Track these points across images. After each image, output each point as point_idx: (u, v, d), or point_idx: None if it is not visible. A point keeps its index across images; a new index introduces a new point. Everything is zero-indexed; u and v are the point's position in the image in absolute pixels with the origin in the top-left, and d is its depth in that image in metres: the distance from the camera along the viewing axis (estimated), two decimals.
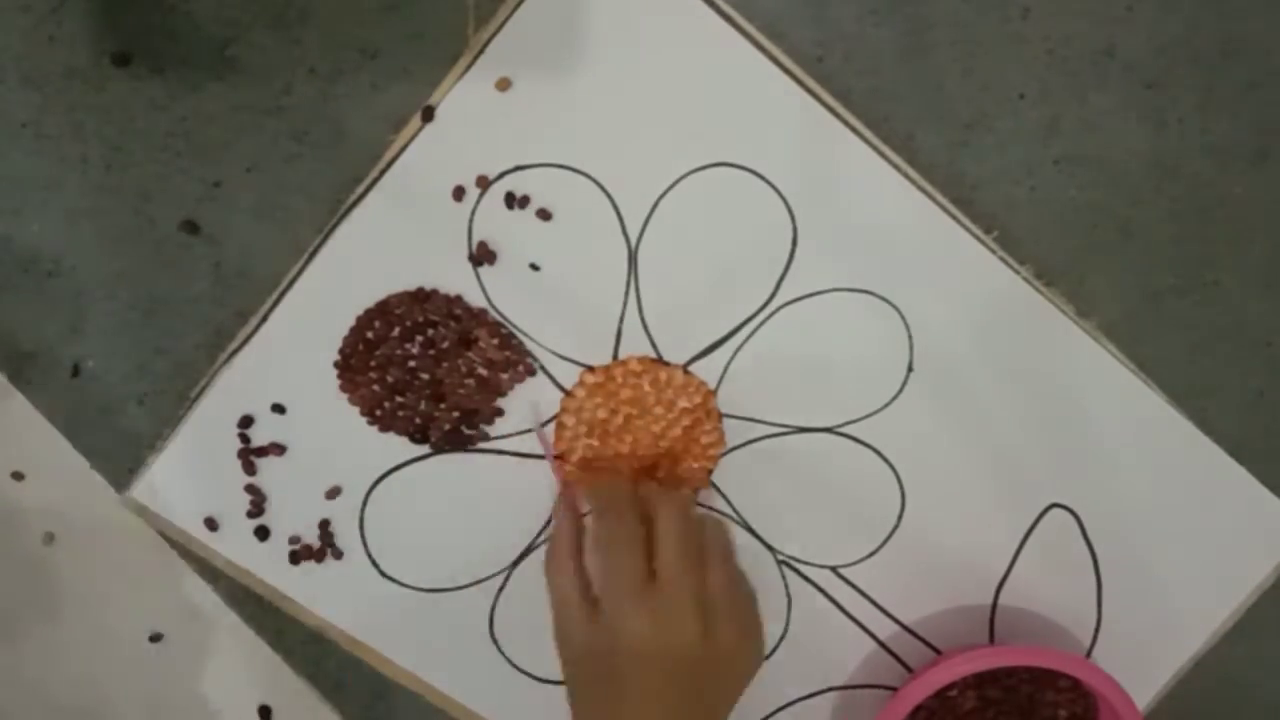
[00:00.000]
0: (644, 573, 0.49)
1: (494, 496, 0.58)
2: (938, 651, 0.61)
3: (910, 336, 0.57)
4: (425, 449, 0.57)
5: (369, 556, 0.58)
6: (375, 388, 0.56)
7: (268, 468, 0.56)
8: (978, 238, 0.56)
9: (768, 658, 0.60)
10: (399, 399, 0.56)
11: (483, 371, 0.56)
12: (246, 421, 0.56)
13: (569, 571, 0.50)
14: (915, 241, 0.56)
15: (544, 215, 0.54)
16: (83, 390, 0.56)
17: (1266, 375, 0.59)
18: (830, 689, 0.61)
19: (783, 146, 0.54)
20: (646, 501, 0.52)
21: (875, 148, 0.55)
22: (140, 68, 0.52)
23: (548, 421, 0.57)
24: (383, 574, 0.58)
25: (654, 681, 0.47)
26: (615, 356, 0.57)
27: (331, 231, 0.54)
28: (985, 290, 0.57)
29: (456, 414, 0.56)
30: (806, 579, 0.60)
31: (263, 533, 0.57)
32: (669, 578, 0.48)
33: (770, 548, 0.59)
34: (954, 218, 0.56)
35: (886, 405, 0.58)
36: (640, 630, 0.47)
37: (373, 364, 0.56)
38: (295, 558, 0.57)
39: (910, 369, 0.57)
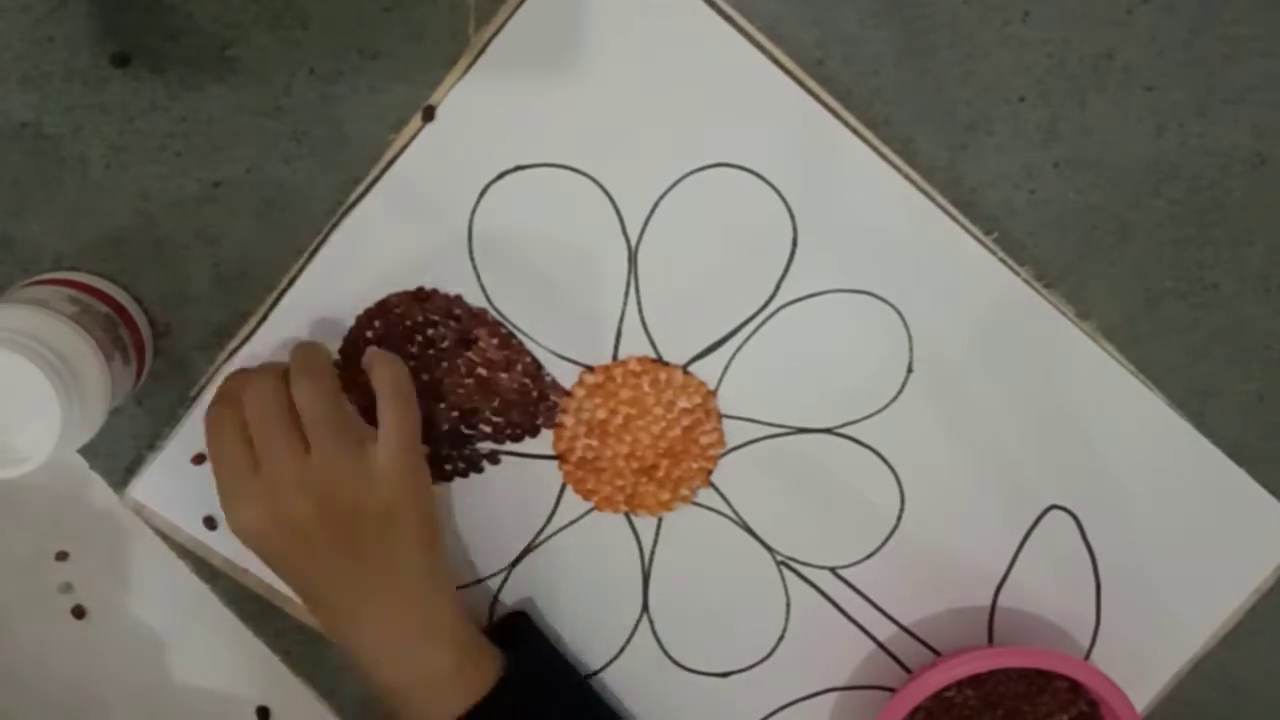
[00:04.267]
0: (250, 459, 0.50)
1: (494, 496, 0.58)
2: (936, 653, 0.61)
3: (910, 337, 0.57)
4: (424, 449, 0.57)
5: None
6: None
7: None
8: (978, 239, 0.56)
9: (765, 659, 0.60)
10: None
11: (483, 371, 0.56)
12: None
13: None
14: (915, 243, 0.56)
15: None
16: None
17: (1266, 378, 0.59)
18: (829, 690, 0.61)
19: (783, 147, 0.54)
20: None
21: (875, 149, 0.55)
22: (140, 68, 0.52)
23: (546, 424, 0.57)
24: None
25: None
26: (615, 357, 0.57)
27: (331, 231, 0.54)
28: (985, 292, 0.57)
29: (456, 414, 0.56)
30: (805, 580, 0.60)
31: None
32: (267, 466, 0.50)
33: (769, 548, 0.59)
34: (954, 219, 0.56)
35: (886, 406, 0.58)
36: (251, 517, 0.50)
37: None
38: None
39: (910, 370, 0.57)
